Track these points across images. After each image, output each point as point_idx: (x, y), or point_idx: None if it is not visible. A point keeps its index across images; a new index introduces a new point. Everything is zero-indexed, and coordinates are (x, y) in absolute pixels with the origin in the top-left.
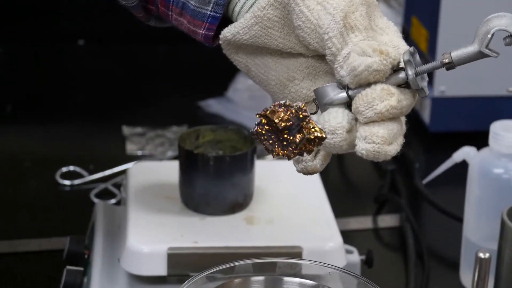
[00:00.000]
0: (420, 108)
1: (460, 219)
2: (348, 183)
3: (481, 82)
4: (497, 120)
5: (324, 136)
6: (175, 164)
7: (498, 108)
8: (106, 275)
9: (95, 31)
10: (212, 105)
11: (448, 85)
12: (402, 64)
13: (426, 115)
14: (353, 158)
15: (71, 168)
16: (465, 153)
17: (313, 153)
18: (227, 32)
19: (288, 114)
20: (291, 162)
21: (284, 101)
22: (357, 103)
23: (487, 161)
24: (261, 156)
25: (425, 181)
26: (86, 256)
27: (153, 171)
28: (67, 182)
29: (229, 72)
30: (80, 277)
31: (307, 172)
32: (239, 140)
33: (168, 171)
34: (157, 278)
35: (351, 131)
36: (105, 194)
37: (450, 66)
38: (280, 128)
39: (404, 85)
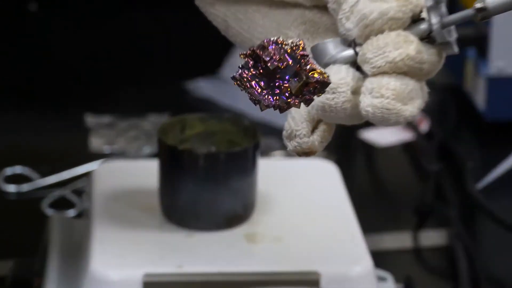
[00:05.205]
0: (471, 90)
1: None
2: (380, 188)
3: None
4: None
5: (327, 80)
6: (154, 164)
7: None
8: None
9: None
10: (202, 86)
11: (508, 59)
12: (424, 14)
13: (480, 99)
14: (386, 155)
15: (18, 169)
16: None
17: (311, 126)
18: None
19: (281, 53)
20: (303, 160)
21: (276, 37)
22: (364, 49)
23: None
24: (266, 153)
25: (480, 185)
26: (36, 285)
27: (125, 173)
28: (12, 188)
29: (223, 44)
30: None
31: (302, 151)
32: (238, 133)
33: (144, 173)
34: None
35: (357, 92)
36: (62, 204)
37: (484, 14)
38: (270, 70)
39: (426, 39)
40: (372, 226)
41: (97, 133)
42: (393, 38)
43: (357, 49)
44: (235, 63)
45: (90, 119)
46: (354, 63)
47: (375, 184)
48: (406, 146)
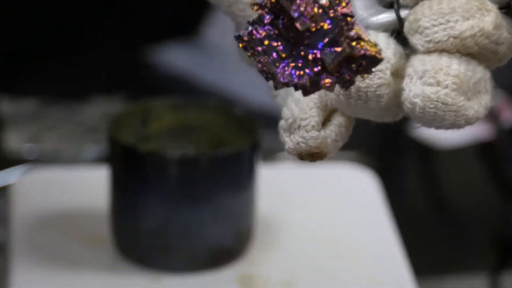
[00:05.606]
0: None
1: None
2: (442, 208)
3: None
4: None
5: (379, 56)
6: (102, 174)
7: None
8: None
9: None
10: (174, 57)
11: None
12: None
13: None
14: (451, 161)
15: None
16: None
17: (322, 116)
18: None
19: (315, 8)
20: (326, 167)
21: None
22: (418, 13)
23: None
24: (270, 157)
25: None
26: None
27: (59, 188)
28: None
29: None
30: None
31: (308, 151)
32: (228, 127)
33: (87, 187)
34: None
35: (399, 75)
36: None
37: None
38: (298, 31)
39: (505, 9)
40: (430, 264)
41: (16, 127)
42: (463, 2)
43: (402, 12)
44: (220, 25)
45: (5, 107)
46: (393, 32)
47: (435, 202)
48: (480, 148)
